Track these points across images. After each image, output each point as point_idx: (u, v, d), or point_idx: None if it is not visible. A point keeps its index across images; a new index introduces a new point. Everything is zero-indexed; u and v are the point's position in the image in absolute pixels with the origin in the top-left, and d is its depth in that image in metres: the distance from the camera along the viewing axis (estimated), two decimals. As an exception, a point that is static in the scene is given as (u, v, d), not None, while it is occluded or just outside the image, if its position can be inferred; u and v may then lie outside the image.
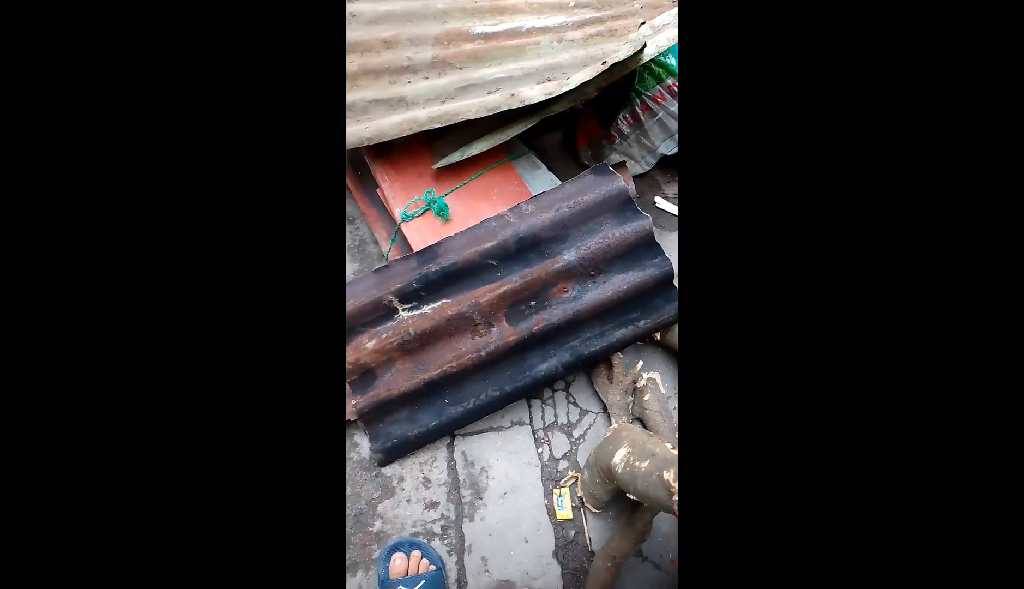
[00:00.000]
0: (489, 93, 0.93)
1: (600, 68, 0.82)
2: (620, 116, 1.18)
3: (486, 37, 1.01)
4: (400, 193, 1.01)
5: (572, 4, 1.05)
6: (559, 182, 1.06)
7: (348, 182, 1.13)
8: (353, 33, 1.07)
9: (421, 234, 0.98)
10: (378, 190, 1.06)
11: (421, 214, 0.99)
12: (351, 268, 1.10)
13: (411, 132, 0.91)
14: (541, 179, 1.05)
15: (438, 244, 0.92)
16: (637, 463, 0.71)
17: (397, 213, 1.00)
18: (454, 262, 0.90)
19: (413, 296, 0.91)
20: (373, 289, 0.91)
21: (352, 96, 1.00)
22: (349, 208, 1.15)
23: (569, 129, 1.32)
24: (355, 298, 0.90)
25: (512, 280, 0.90)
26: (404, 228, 0.99)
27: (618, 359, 1.00)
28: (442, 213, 0.98)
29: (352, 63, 1.04)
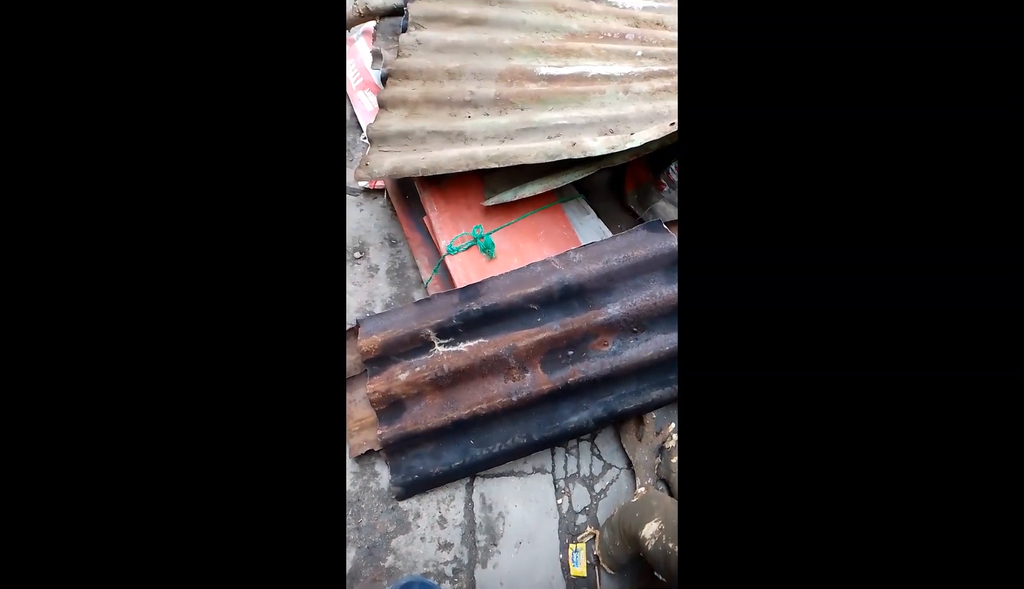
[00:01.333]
0: (549, 138, 0.92)
1: (668, 129, 0.81)
2: (672, 165, 1.16)
3: (550, 79, 1.01)
4: (448, 224, 1.01)
5: (639, 53, 1.05)
6: (606, 230, 1.05)
7: (395, 205, 1.14)
8: (418, 60, 1.08)
9: (465, 269, 0.98)
10: (425, 218, 1.06)
11: (467, 249, 0.99)
12: (389, 291, 1.09)
13: (467, 169, 0.91)
14: (589, 225, 1.04)
15: (482, 283, 0.91)
16: (671, 545, 0.68)
17: (443, 245, 1.00)
18: (496, 303, 0.89)
19: (451, 332, 0.90)
20: (412, 320, 0.90)
21: (411, 124, 1.01)
22: (392, 231, 1.16)
23: (618, 171, 1.31)
24: (393, 328, 0.90)
25: (552, 327, 0.89)
26: (448, 260, 0.99)
27: (649, 417, 0.98)
28: (488, 250, 0.98)
29: (415, 91, 1.05)
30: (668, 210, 1.23)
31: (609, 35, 1.10)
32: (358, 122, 1.28)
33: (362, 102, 1.26)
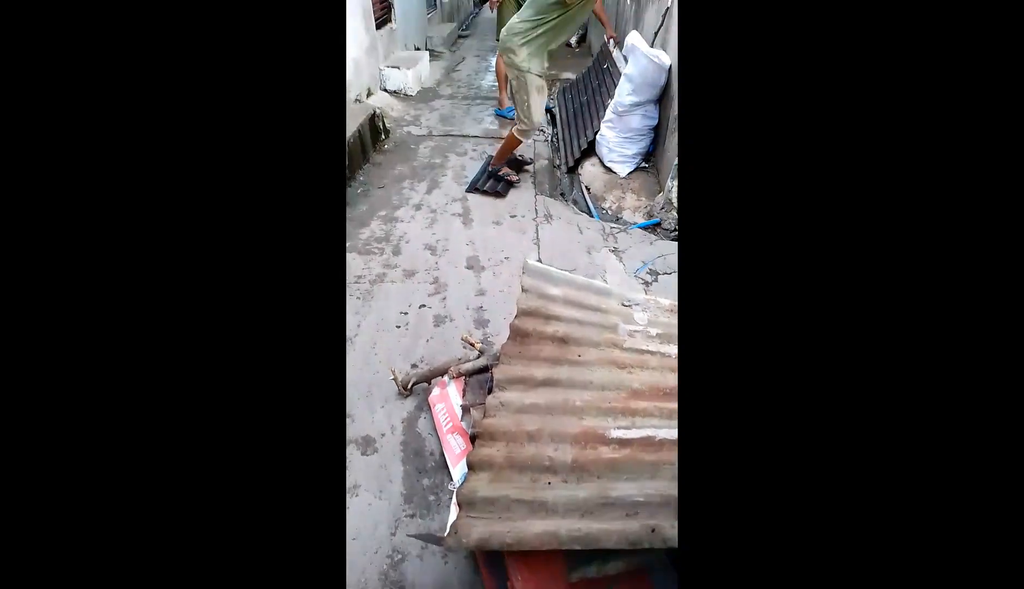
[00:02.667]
0: (628, 515, 0.97)
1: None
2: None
3: (621, 443, 1.12)
4: (532, 598, 1.00)
5: (700, 412, 1.15)
6: (701, 605, 0.98)
7: (478, 559, 1.16)
8: (502, 421, 1.24)
9: (552, 660, 0.92)
10: (509, 583, 1.07)
11: (553, 632, 0.95)
12: (471, 672, 1.03)
13: (550, 548, 0.95)
14: (680, 598, 0.99)
15: None
16: None
17: (528, 625, 0.97)
18: None
19: None
20: None
21: (497, 490, 1.10)
22: (476, 587, 1.16)
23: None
24: None
25: None
26: (534, 646, 0.94)
27: None
28: (575, 637, 0.93)
29: (499, 453, 1.18)
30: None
31: (669, 391, 1.24)
32: (447, 462, 1.42)
33: (451, 445, 1.43)
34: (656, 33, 3.27)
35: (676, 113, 2.85)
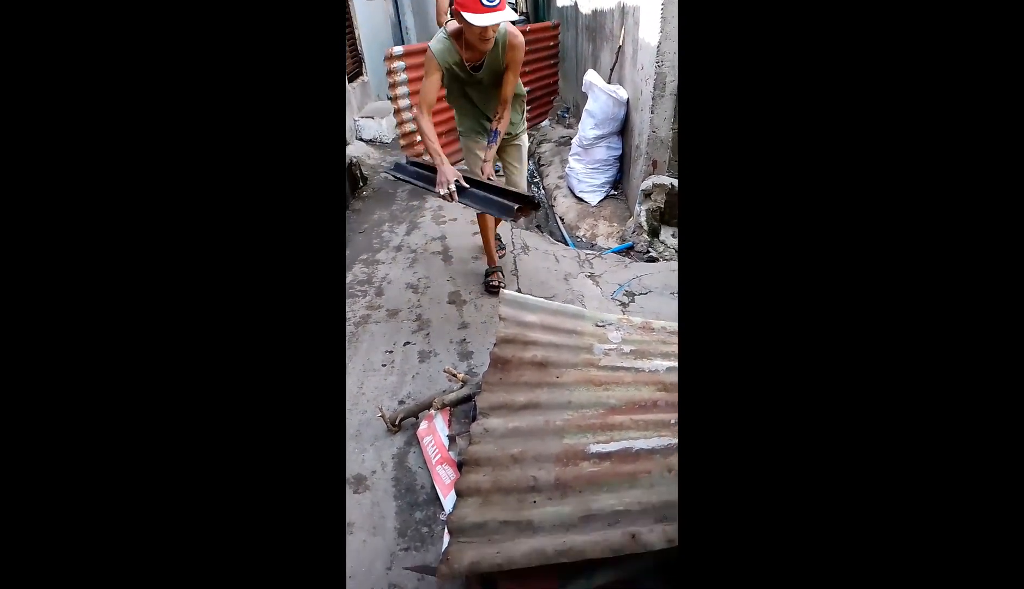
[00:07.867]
0: (610, 526, 1.01)
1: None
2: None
3: (600, 457, 1.17)
4: (526, 618, 1.03)
5: (672, 421, 1.22)
6: (687, 608, 1.02)
7: (472, 584, 1.18)
8: (487, 448, 1.29)
9: (548, 676, 0.95)
10: (503, 606, 1.09)
11: (547, 648, 0.98)
12: None
13: (538, 564, 0.99)
14: (667, 603, 1.02)
15: None
16: None
17: (523, 645, 0.99)
18: None
19: None
20: None
21: (485, 515, 1.14)
22: (472, 616, 1.17)
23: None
24: None
25: None
26: (530, 664, 0.97)
27: None
28: (569, 651, 0.96)
29: (486, 478, 1.22)
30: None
31: (643, 404, 1.30)
32: (438, 494, 1.45)
33: (441, 476, 1.46)
34: (612, 70, 3.49)
35: (637, 142, 3.02)
